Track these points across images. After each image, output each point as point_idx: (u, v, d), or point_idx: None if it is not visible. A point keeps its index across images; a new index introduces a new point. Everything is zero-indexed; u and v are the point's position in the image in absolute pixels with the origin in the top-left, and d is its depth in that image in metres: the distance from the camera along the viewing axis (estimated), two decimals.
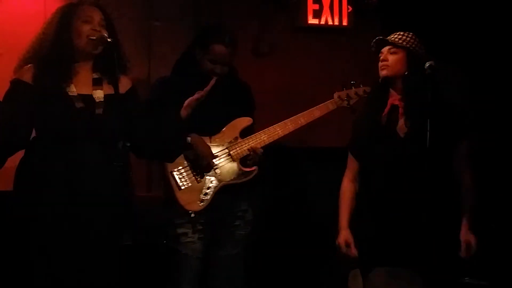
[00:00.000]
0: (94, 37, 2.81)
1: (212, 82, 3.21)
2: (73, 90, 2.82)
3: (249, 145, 3.46)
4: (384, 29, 4.91)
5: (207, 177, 3.41)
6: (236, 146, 3.46)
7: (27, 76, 2.81)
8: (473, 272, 3.04)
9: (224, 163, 3.44)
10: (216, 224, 3.48)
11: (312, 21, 4.87)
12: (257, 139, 3.48)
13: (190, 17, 4.49)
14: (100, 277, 2.79)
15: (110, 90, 2.87)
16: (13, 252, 2.80)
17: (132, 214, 2.71)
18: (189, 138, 3.34)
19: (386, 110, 3.10)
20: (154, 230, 3.79)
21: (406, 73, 3.07)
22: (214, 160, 3.42)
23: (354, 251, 3.13)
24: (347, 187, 3.25)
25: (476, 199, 3.06)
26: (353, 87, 3.60)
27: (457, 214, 3.05)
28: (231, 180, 3.44)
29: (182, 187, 3.37)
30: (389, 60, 3.09)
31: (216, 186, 3.41)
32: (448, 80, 3.37)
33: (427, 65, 2.95)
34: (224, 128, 3.48)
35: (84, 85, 2.86)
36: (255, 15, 4.81)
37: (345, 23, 4.93)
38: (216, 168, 3.42)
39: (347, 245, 3.14)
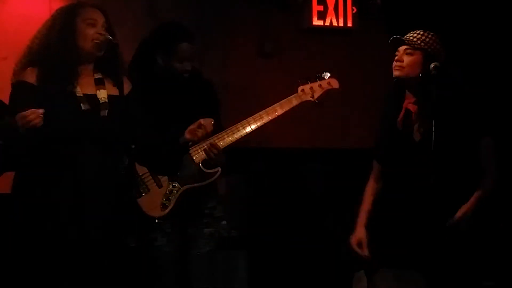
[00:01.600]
0: (99, 41, 2.82)
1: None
2: (78, 90, 2.82)
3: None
4: (389, 30, 4.97)
5: (169, 182, 3.32)
6: (197, 148, 3.32)
7: (31, 77, 2.79)
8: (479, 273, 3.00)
9: (185, 166, 3.30)
10: (185, 225, 3.41)
11: (316, 22, 4.86)
12: (219, 140, 3.31)
13: (193, 21, 4.48)
14: (103, 280, 2.79)
15: (113, 91, 2.87)
16: (12, 256, 2.77)
17: (136, 216, 2.71)
18: None
19: (401, 114, 3.05)
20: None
21: (420, 75, 2.99)
22: None
23: (365, 252, 3.09)
24: (370, 187, 3.19)
25: (492, 189, 2.97)
26: (317, 80, 3.42)
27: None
28: (194, 182, 3.34)
29: (143, 194, 3.28)
30: (404, 61, 3.01)
31: (179, 190, 3.32)
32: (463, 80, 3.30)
33: (432, 66, 2.93)
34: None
35: (88, 86, 2.85)
36: (259, 16, 4.81)
37: (349, 24, 4.92)
38: (178, 172, 3.29)
39: (360, 244, 3.10)
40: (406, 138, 3.02)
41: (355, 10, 4.92)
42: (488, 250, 3.05)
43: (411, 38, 3.03)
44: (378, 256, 3.07)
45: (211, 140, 3.28)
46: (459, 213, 2.91)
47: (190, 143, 3.21)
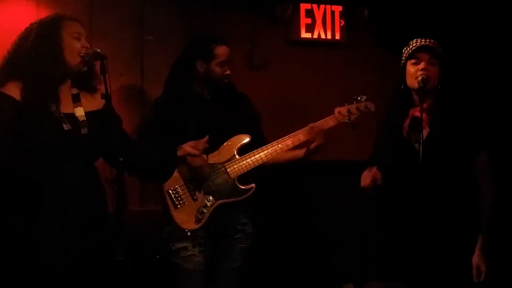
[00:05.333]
0: (85, 54, 2.79)
1: (205, 139, 3.25)
2: (59, 110, 2.78)
3: (247, 162, 3.43)
4: (377, 43, 5.00)
5: (204, 196, 3.39)
6: (234, 164, 3.43)
7: (14, 92, 2.73)
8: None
9: (221, 181, 3.41)
10: (217, 238, 3.47)
11: (305, 35, 4.88)
12: (255, 158, 3.45)
13: (182, 31, 4.49)
14: None
15: (90, 106, 2.85)
16: None
17: (123, 229, 2.69)
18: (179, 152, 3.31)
19: (407, 122, 3.03)
20: (148, 245, 3.77)
21: (439, 87, 3.00)
22: (211, 176, 3.40)
23: (368, 180, 3.00)
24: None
25: (494, 218, 2.96)
26: (354, 102, 3.51)
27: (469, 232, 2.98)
28: (228, 198, 3.42)
29: (178, 206, 3.35)
30: (430, 71, 2.98)
31: (213, 204, 3.39)
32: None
33: (419, 78, 2.95)
34: (222, 146, 3.46)
35: (66, 103, 2.82)
36: (248, 29, 4.82)
37: (337, 37, 4.94)
38: (213, 186, 3.40)
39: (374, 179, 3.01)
40: (410, 146, 3.00)
41: (343, 23, 4.94)
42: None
43: (435, 47, 3.02)
44: (367, 268, 3.06)
45: (249, 160, 3.41)
46: (474, 269, 2.92)
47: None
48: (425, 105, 2.98)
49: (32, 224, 2.69)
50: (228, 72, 3.47)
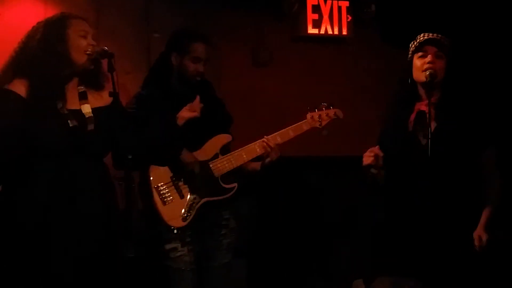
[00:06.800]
0: (92, 52, 2.79)
1: (197, 99, 3.27)
2: (65, 107, 2.78)
3: (230, 162, 3.45)
4: (384, 38, 4.99)
5: (190, 193, 3.39)
6: (217, 163, 3.44)
7: (19, 89, 2.73)
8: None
9: (205, 179, 3.41)
10: (203, 235, 3.46)
11: (311, 30, 4.87)
12: (238, 157, 3.47)
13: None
14: None
15: (96, 103, 2.86)
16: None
17: (132, 227, 2.69)
18: None
19: (412, 116, 3.01)
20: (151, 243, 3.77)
21: (444, 80, 2.97)
22: (196, 174, 3.39)
23: (370, 159, 2.95)
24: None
25: (499, 200, 2.96)
26: (323, 109, 3.62)
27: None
28: (213, 196, 3.43)
29: (167, 203, 3.34)
30: (436, 64, 2.95)
31: (198, 202, 3.39)
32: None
33: (427, 73, 2.94)
34: (204, 145, 3.45)
35: (72, 100, 2.82)
36: (254, 25, 4.82)
37: (344, 32, 4.93)
38: (198, 185, 3.40)
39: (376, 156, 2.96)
40: (416, 139, 2.98)
41: (349, 18, 4.93)
42: (487, 257, 3.03)
43: (442, 41, 2.99)
44: (377, 264, 3.06)
45: (232, 159, 3.44)
46: (480, 237, 2.91)
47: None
48: (432, 99, 2.97)
49: (40, 221, 2.70)
50: (200, 69, 3.43)
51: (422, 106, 2.99)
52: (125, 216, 2.69)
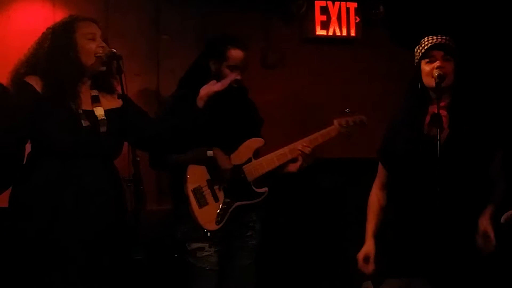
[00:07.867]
0: (102, 55, 2.81)
1: (232, 76, 3.32)
2: (78, 107, 2.81)
3: (262, 166, 3.50)
4: (393, 40, 4.98)
5: (224, 197, 3.44)
6: (250, 167, 3.50)
7: (36, 84, 2.77)
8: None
9: (239, 183, 3.47)
10: (230, 236, 3.51)
11: (320, 32, 4.87)
12: (270, 161, 3.52)
13: (198, 31, 4.50)
14: None
15: (109, 105, 2.88)
16: (9, 271, 2.76)
17: (140, 229, 2.70)
18: (210, 152, 3.37)
19: (427, 118, 2.99)
20: (166, 244, 3.78)
21: (455, 83, 2.97)
22: (232, 178, 3.45)
23: (370, 268, 3.06)
24: (375, 197, 3.17)
25: (506, 196, 2.96)
26: (349, 115, 3.66)
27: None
28: (245, 200, 3.48)
29: (203, 205, 3.39)
30: (445, 68, 2.94)
31: (231, 206, 3.45)
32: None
33: (436, 74, 2.93)
34: (239, 148, 3.50)
35: (85, 101, 2.86)
36: (262, 27, 4.82)
37: (353, 33, 4.92)
38: (232, 189, 3.45)
39: (366, 259, 3.08)
40: (431, 142, 2.93)
41: (358, 19, 4.92)
42: (493, 258, 3.02)
43: (448, 43, 2.99)
44: (385, 265, 3.05)
45: (264, 164, 3.51)
46: (480, 232, 2.89)
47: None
48: (443, 103, 2.96)
49: (47, 221, 2.71)
50: (238, 77, 3.45)
51: (436, 109, 2.98)
52: (133, 218, 2.70)
